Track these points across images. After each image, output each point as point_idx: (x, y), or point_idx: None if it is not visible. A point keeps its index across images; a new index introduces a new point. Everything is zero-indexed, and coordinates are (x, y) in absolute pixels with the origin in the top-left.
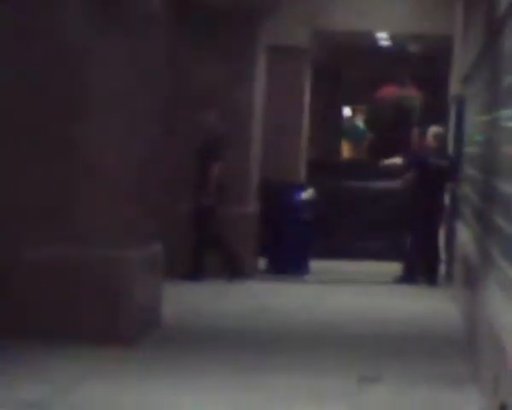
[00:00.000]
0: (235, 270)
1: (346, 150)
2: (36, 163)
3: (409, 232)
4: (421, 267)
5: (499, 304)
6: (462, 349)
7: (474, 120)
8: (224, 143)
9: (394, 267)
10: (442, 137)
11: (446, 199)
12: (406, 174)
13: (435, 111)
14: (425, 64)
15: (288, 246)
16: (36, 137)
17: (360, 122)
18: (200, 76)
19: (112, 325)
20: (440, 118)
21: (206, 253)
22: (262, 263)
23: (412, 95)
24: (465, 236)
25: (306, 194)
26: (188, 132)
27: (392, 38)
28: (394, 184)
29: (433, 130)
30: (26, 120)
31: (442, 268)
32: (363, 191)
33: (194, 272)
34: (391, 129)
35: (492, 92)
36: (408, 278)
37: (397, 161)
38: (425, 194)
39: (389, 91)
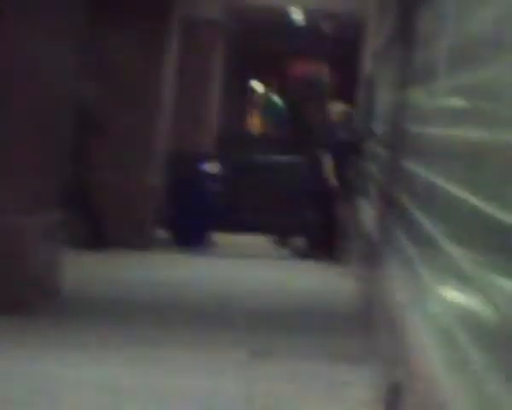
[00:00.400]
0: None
1: (258, 125)
2: None
3: (311, 207)
4: (323, 243)
5: (397, 282)
6: (358, 326)
7: (383, 98)
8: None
9: (297, 242)
10: (348, 114)
11: (353, 175)
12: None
13: (347, 89)
14: (338, 42)
15: (192, 218)
16: None
17: (276, 97)
18: (112, 48)
19: (7, 293)
20: (351, 96)
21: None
22: (165, 234)
23: (323, 72)
24: (367, 213)
25: (212, 166)
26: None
27: (306, 14)
28: (300, 158)
29: (338, 106)
30: None
31: (343, 244)
32: (271, 165)
33: (94, 241)
34: (301, 105)
35: (401, 71)
36: (309, 252)
37: (340, 107)
38: (331, 168)
39: (300, 68)
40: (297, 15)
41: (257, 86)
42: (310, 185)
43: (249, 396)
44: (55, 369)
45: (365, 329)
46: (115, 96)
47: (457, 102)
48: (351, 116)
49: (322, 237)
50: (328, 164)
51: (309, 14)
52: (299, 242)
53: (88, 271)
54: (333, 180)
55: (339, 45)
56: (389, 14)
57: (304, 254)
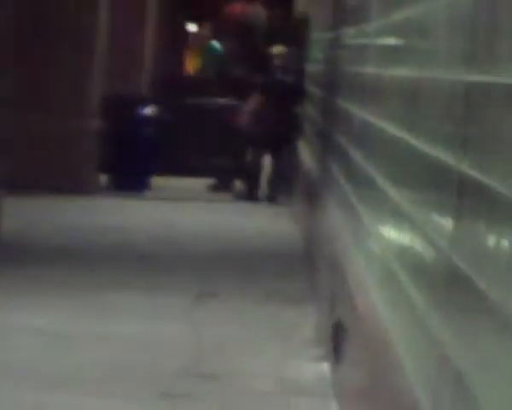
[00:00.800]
0: None
1: (194, 67)
2: None
3: (251, 150)
4: (262, 184)
5: (338, 222)
6: (301, 268)
7: (319, 38)
8: None
9: (236, 185)
10: (285, 56)
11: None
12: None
13: (282, 29)
14: None
15: (129, 162)
16: None
17: (216, 43)
18: None
19: None
20: (287, 36)
21: None
22: (103, 179)
23: (257, 11)
24: (306, 154)
25: (149, 109)
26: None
27: None
28: (237, 101)
29: (277, 49)
30: None
31: (282, 186)
32: (208, 108)
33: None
34: (238, 45)
35: (335, 10)
36: (249, 195)
37: (279, 49)
38: (270, 111)
39: (235, 8)
40: None
41: (192, 28)
42: (246, 128)
43: (195, 339)
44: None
45: (308, 269)
46: (48, 36)
47: (389, 40)
48: (290, 58)
49: (259, 179)
50: (251, 105)
51: None
52: (239, 184)
53: (25, 217)
54: (246, 123)
55: None
56: None
57: (244, 197)
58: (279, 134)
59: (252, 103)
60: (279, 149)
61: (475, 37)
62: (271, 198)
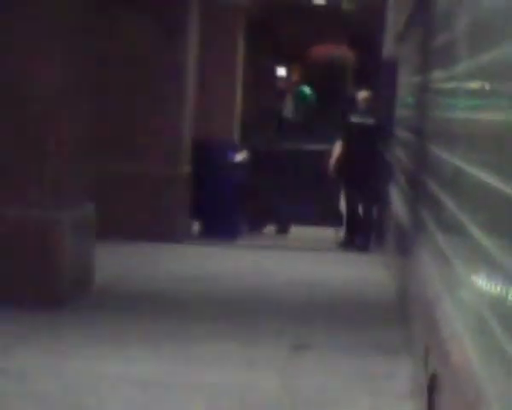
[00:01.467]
0: None
1: (284, 111)
2: None
3: (341, 197)
4: (357, 232)
5: (430, 271)
6: (394, 318)
7: (407, 81)
8: None
9: (327, 233)
10: (370, 100)
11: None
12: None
13: (368, 72)
14: (359, 24)
15: (221, 209)
16: None
17: (307, 87)
18: (132, 34)
19: (42, 288)
20: (373, 78)
21: None
22: (195, 226)
23: (345, 54)
24: (397, 200)
25: (240, 155)
26: (120, 92)
27: None
28: (329, 146)
29: (362, 94)
30: None
31: (377, 234)
32: (298, 153)
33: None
34: (324, 88)
35: (424, 53)
36: (349, 243)
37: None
38: (353, 156)
39: (322, 51)
40: None
41: (281, 71)
42: (332, 175)
43: (290, 391)
44: (91, 365)
45: (402, 319)
46: (140, 85)
47: (480, 83)
48: (374, 102)
49: (356, 227)
50: (335, 151)
51: None
52: (338, 232)
53: (118, 264)
54: (331, 168)
55: (360, 26)
56: None
57: (345, 244)
58: (363, 179)
59: (336, 149)
60: (365, 194)
61: None
62: (363, 247)
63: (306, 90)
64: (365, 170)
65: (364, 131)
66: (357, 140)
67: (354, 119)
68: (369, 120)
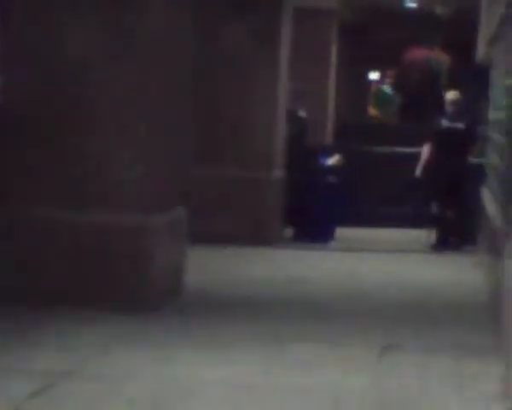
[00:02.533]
0: None
1: (373, 115)
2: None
3: (432, 199)
4: (452, 233)
5: None
6: (485, 318)
7: (501, 83)
8: None
9: (419, 234)
10: (458, 102)
11: (471, 164)
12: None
13: (462, 74)
14: (453, 26)
15: (314, 213)
16: None
17: (387, 87)
18: (226, 39)
19: (135, 292)
20: (468, 81)
21: None
22: (288, 230)
23: (440, 57)
24: (490, 202)
25: (333, 159)
26: (212, 97)
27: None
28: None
29: (449, 96)
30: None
31: (470, 234)
32: (390, 156)
33: None
34: (419, 91)
35: None
36: (442, 245)
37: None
38: (443, 159)
39: (417, 54)
40: (411, 1)
41: (374, 75)
42: (421, 178)
43: (380, 393)
44: (183, 370)
45: (493, 320)
46: (234, 91)
47: None
48: (468, 103)
49: (451, 228)
50: (424, 154)
51: None
52: (430, 234)
53: (210, 268)
54: (419, 171)
55: (454, 29)
56: None
57: (436, 247)
58: (452, 182)
59: (425, 152)
60: (455, 197)
61: None
62: (456, 247)
63: (387, 89)
64: (456, 174)
65: (454, 136)
66: (447, 144)
67: (444, 123)
68: (459, 125)
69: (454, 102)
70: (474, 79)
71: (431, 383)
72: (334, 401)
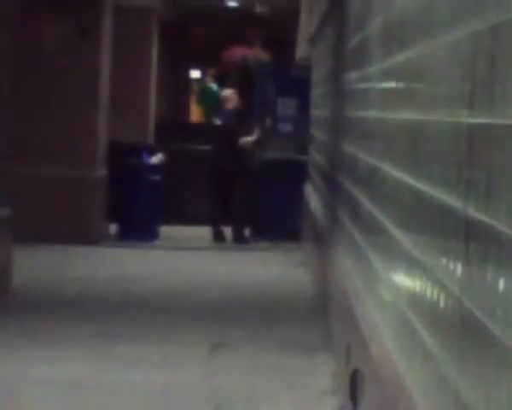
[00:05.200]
0: None
1: (196, 113)
2: None
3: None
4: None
5: (348, 269)
6: (313, 316)
7: (321, 82)
8: None
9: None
10: (234, 98)
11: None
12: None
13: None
14: (273, 25)
15: (138, 211)
16: None
17: (213, 84)
18: (46, 37)
19: None
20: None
21: None
22: (112, 228)
23: (259, 55)
24: (314, 199)
25: (156, 157)
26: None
27: None
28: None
29: (224, 92)
30: None
31: (293, 230)
32: (205, 154)
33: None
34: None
35: (337, 55)
36: (236, 238)
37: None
38: (219, 154)
39: (236, 52)
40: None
41: (195, 74)
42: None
43: (209, 388)
44: (6, 368)
45: (321, 317)
46: (55, 92)
47: (391, 84)
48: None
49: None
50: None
51: None
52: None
53: (35, 268)
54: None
55: (275, 28)
56: None
57: (238, 241)
58: (228, 177)
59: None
60: (231, 185)
61: (476, 78)
62: (238, 240)
63: (213, 87)
64: (227, 169)
65: (223, 133)
66: (220, 140)
67: (217, 121)
68: (230, 121)
69: (227, 100)
70: (296, 75)
71: (262, 380)
72: (162, 396)
